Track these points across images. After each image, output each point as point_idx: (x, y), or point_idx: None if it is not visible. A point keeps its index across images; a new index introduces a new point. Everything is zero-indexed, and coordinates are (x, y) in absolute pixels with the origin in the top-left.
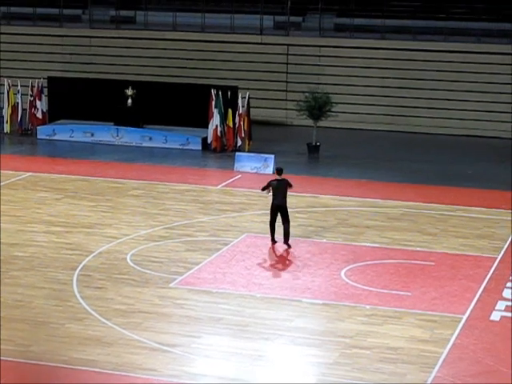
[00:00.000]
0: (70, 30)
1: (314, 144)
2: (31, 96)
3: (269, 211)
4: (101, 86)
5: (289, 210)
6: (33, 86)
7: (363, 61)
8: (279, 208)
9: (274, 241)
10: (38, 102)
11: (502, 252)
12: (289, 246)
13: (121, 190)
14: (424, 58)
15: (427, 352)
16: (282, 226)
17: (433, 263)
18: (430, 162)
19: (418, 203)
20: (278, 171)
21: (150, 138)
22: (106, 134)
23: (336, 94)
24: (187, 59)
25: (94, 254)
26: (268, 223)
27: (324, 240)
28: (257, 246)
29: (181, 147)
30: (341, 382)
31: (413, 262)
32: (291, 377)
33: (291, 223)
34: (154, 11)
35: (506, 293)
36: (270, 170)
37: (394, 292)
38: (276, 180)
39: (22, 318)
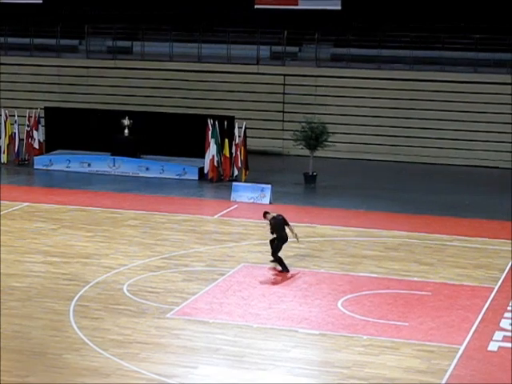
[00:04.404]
0: (66, 60)
1: (310, 174)
2: (28, 126)
3: (267, 241)
4: (97, 116)
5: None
6: (30, 117)
7: (360, 91)
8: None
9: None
10: (34, 133)
11: (500, 282)
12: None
13: (117, 220)
14: (420, 87)
15: (424, 383)
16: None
17: (430, 293)
18: (427, 192)
19: (415, 233)
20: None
21: (147, 168)
22: (102, 164)
23: (332, 123)
24: (184, 89)
25: (90, 284)
26: (266, 253)
27: (321, 270)
28: (254, 276)
29: (177, 177)
30: None
31: (410, 292)
32: None
33: (288, 253)
34: (150, 42)
35: (504, 323)
36: (267, 200)
37: (391, 322)
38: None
39: (19, 348)
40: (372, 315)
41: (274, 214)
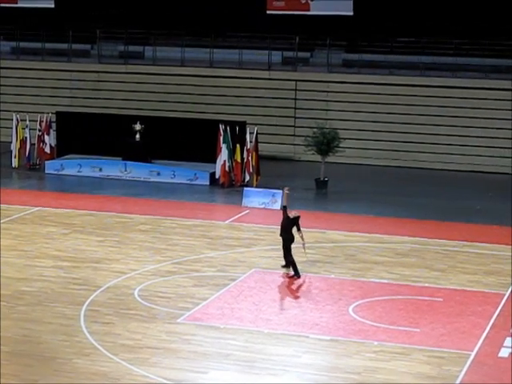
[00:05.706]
0: (78, 64)
1: (321, 179)
2: (39, 131)
3: (278, 246)
4: (109, 121)
5: (297, 244)
6: (41, 121)
7: (371, 96)
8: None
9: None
10: (46, 137)
11: (511, 288)
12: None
13: (128, 224)
14: (431, 93)
15: None
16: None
17: (441, 299)
18: (438, 198)
19: (425, 239)
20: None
21: (158, 173)
22: (114, 168)
23: (344, 129)
24: (195, 94)
25: (101, 289)
26: (277, 259)
27: (332, 276)
28: (265, 282)
29: (189, 182)
30: None
31: (421, 298)
32: None
33: (299, 258)
34: (162, 46)
35: None
36: (278, 205)
37: (402, 328)
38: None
39: (29, 353)
40: (383, 321)
41: (294, 214)
